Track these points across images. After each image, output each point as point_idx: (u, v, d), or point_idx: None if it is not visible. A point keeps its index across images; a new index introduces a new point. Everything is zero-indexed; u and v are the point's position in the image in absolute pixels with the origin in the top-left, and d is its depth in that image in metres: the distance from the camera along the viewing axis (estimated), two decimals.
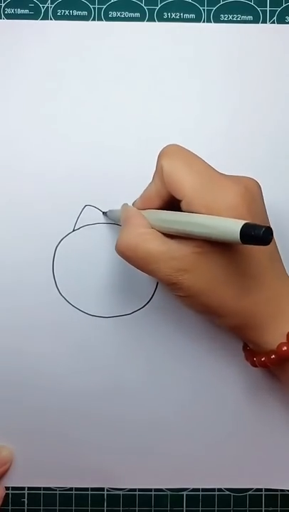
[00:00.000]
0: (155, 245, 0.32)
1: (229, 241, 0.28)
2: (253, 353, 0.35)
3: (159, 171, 0.33)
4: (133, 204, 0.35)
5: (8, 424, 0.39)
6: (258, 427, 0.39)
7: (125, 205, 0.35)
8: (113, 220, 0.38)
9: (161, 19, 0.40)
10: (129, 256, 0.32)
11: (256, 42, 0.39)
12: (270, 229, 0.26)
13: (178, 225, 0.31)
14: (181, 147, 0.33)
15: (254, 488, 0.40)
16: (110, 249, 0.39)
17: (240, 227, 0.27)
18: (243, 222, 0.27)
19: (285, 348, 0.32)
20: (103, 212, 0.39)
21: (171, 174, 0.32)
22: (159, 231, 0.32)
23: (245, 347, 0.37)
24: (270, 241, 0.26)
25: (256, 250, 0.32)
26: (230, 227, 0.27)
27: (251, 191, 0.32)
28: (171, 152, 0.33)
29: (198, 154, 0.39)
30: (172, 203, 0.33)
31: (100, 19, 0.40)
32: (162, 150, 0.33)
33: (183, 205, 0.31)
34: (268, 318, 0.33)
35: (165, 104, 0.39)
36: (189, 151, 0.33)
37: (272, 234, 0.27)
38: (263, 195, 0.39)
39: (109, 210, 0.38)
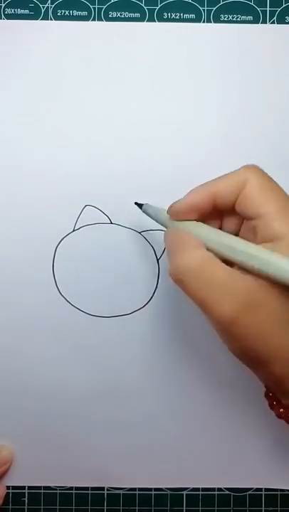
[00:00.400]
0: (219, 272, 0.28)
1: None
2: (280, 403, 0.32)
3: (241, 182, 0.29)
4: (172, 205, 0.32)
5: (8, 424, 0.39)
6: (258, 426, 0.39)
7: (171, 222, 0.32)
8: (149, 216, 0.35)
9: (161, 19, 0.40)
10: (189, 282, 0.28)
11: (256, 42, 0.39)
12: None
13: (245, 258, 0.27)
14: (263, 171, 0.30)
15: (254, 487, 0.40)
16: (110, 249, 0.39)
17: None
18: None
19: None
20: (138, 204, 0.36)
21: (257, 189, 0.29)
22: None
23: (267, 393, 0.33)
24: None
25: None
26: None
27: None
28: (258, 170, 0.30)
29: (198, 154, 0.39)
30: (211, 215, 0.30)
31: (100, 19, 0.40)
32: (248, 165, 0.30)
33: (256, 223, 0.28)
34: None
35: (165, 104, 0.39)
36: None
37: None
38: None
39: (147, 205, 0.35)
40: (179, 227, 0.31)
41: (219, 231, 0.30)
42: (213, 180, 0.31)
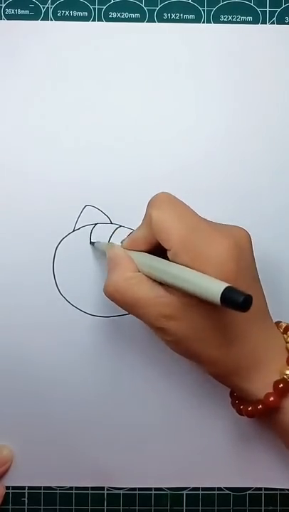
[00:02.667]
0: (143, 290, 0.31)
1: (210, 301, 0.28)
2: (240, 401, 0.35)
3: (148, 219, 0.32)
4: (121, 242, 0.35)
5: (9, 424, 0.39)
6: (258, 426, 0.39)
7: (111, 245, 0.35)
8: (100, 251, 0.38)
9: (161, 20, 0.40)
10: (117, 299, 0.32)
11: (256, 42, 0.39)
12: (250, 297, 0.26)
13: (164, 276, 0.31)
14: (172, 196, 0.32)
15: (254, 487, 0.40)
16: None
17: (222, 290, 0.27)
18: (225, 285, 0.27)
19: (272, 398, 0.32)
20: (91, 242, 0.39)
21: (159, 224, 0.31)
22: (145, 275, 0.32)
23: (232, 393, 0.36)
24: (249, 309, 0.26)
25: None
26: (212, 288, 0.27)
27: (241, 246, 0.31)
28: (160, 201, 0.32)
29: (198, 154, 0.39)
30: (160, 247, 0.32)
31: (100, 20, 0.40)
32: (152, 198, 0.33)
33: (170, 254, 0.31)
34: (252, 368, 0.32)
35: (164, 104, 0.39)
36: (180, 200, 0.32)
37: (251, 302, 0.26)
38: (262, 194, 0.39)
39: (98, 242, 0.38)
40: (117, 247, 0.35)
41: (151, 256, 0.33)
42: (137, 227, 0.34)
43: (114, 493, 0.40)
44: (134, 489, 0.40)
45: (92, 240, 0.39)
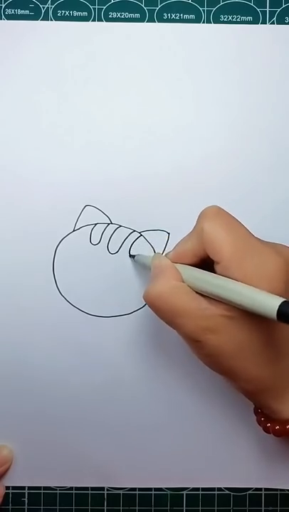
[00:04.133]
0: (186, 300, 0.31)
1: (263, 315, 0.27)
2: (267, 418, 0.34)
3: (199, 232, 0.32)
4: (166, 255, 0.35)
5: (8, 424, 0.39)
6: (257, 427, 0.39)
7: (158, 255, 0.35)
8: (140, 265, 0.38)
9: (161, 20, 0.40)
10: (158, 306, 0.32)
11: (256, 42, 0.39)
12: None
13: (213, 287, 0.30)
14: (223, 210, 0.32)
15: (254, 487, 0.40)
16: (110, 249, 0.39)
17: (279, 304, 0.26)
18: (282, 299, 0.26)
19: None
20: (130, 255, 0.39)
21: (211, 236, 0.31)
22: (190, 287, 0.32)
23: (256, 409, 0.36)
24: None
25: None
26: (268, 302, 0.27)
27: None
28: (212, 214, 0.32)
29: (198, 154, 0.39)
30: (205, 261, 0.32)
31: (100, 20, 0.40)
32: (204, 211, 0.33)
33: (219, 268, 0.31)
34: (287, 387, 0.32)
35: (164, 104, 0.39)
36: (230, 214, 0.32)
37: None
38: (262, 195, 0.39)
39: (139, 255, 0.38)
40: (163, 257, 0.34)
41: (198, 269, 0.32)
42: (183, 239, 0.34)
43: (114, 493, 0.40)
44: (134, 489, 0.40)
45: (131, 253, 0.39)
